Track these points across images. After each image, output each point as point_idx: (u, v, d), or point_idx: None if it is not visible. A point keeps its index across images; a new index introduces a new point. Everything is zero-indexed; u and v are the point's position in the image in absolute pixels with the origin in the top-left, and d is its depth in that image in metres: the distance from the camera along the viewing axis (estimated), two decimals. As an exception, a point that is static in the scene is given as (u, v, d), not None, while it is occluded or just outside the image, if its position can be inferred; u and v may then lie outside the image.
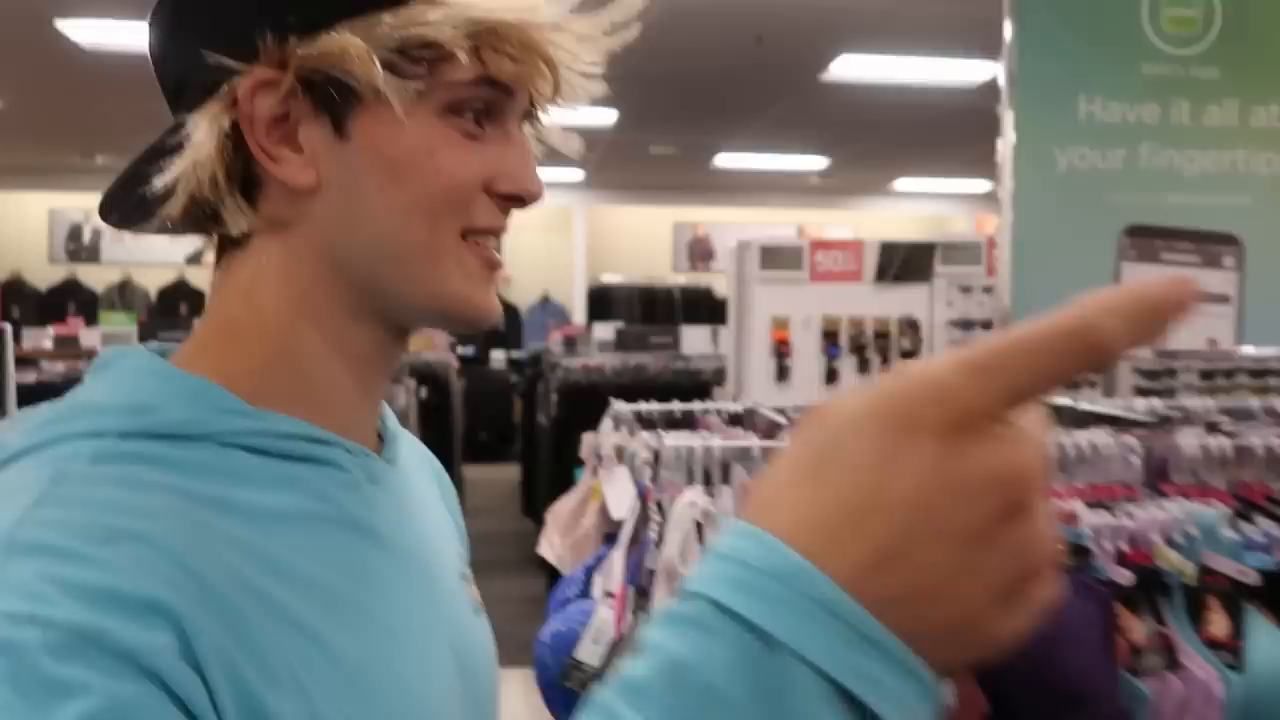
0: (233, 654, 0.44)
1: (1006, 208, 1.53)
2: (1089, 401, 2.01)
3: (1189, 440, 1.29)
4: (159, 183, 0.52)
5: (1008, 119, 1.52)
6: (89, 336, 5.81)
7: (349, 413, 0.57)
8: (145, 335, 5.94)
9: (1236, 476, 1.34)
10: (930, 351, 3.72)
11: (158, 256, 10.18)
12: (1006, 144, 1.53)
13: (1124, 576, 1.12)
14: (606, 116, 6.63)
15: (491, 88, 0.53)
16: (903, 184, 10.29)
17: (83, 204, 10.34)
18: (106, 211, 0.59)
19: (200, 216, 0.54)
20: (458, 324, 0.57)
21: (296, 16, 0.51)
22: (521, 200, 0.56)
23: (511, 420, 8.88)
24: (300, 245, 0.54)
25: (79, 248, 10.51)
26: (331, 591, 0.51)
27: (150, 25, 0.56)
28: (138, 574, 0.43)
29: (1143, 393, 3.87)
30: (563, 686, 1.00)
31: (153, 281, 10.25)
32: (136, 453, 0.48)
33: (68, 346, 5.72)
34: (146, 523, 0.45)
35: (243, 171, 0.53)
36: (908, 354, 3.65)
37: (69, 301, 9.65)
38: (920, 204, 11.01)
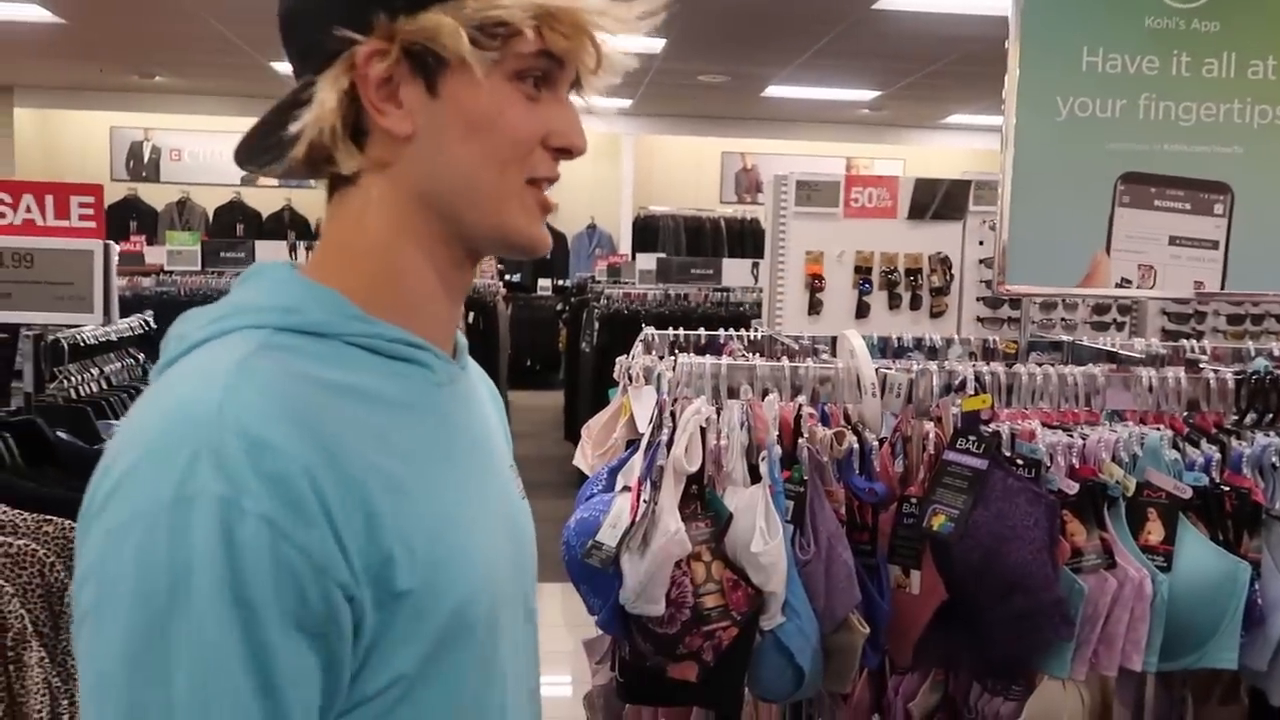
0: (353, 514, 0.59)
1: (1009, 143, 1.54)
2: (1089, 340, 2.12)
3: (1147, 374, 1.41)
4: (292, 128, 0.67)
5: (1014, 53, 1.52)
6: (155, 254, 6.08)
7: (436, 323, 0.71)
8: (207, 252, 6.20)
9: (1199, 408, 1.45)
10: (960, 289, 3.78)
11: (215, 177, 10.44)
12: (1011, 79, 1.52)
13: (1070, 487, 1.27)
14: (653, 44, 6.62)
15: (548, 59, 0.67)
16: (957, 118, 10.10)
17: (142, 122, 10.59)
18: (242, 158, 0.74)
19: (317, 160, 0.69)
20: (516, 251, 0.71)
21: (403, 0, 0.64)
22: (569, 153, 0.70)
23: (557, 348, 9.02)
24: (400, 182, 0.68)
25: (140, 165, 10.81)
26: (423, 462, 0.66)
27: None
28: (299, 452, 0.58)
29: (1169, 334, 3.93)
30: (583, 563, 1.19)
31: (210, 201, 10.52)
32: (287, 345, 0.64)
33: (133, 263, 6.00)
34: (302, 411, 0.60)
35: (354, 122, 0.67)
36: (938, 290, 3.73)
37: (130, 219, 9.98)
38: (974, 138, 10.78)
